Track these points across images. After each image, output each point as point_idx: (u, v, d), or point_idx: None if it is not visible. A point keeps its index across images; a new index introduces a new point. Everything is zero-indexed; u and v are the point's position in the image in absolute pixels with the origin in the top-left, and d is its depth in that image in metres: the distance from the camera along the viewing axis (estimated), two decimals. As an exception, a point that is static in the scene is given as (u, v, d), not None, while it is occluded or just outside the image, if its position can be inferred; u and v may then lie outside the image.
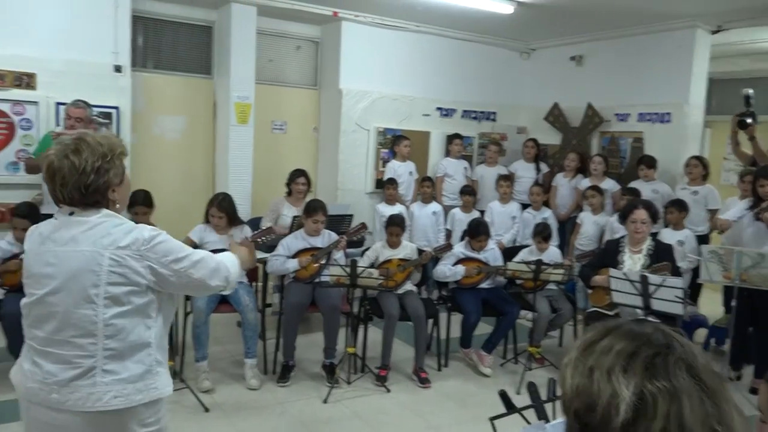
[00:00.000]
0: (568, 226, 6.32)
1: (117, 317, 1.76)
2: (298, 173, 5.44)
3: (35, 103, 5.07)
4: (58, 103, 5.13)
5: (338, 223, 5.11)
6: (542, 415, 1.91)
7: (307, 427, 3.62)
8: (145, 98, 5.91)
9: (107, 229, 1.77)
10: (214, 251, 4.15)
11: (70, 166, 1.74)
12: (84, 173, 1.74)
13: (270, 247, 4.56)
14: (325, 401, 3.95)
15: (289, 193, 5.44)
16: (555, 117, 7.18)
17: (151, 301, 1.82)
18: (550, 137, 7.25)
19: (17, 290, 3.95)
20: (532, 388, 2.00)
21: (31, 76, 5.04)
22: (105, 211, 1.81)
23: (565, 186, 6.49)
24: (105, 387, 1.75)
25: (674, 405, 0.87)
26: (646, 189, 5.72)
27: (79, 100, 4.72)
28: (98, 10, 5.26)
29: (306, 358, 4.58)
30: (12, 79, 4.97)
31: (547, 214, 6.08)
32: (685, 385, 0.89)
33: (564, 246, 6.19)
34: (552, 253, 5.02)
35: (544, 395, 1.98)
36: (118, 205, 1.87)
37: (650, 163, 5.88)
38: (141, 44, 5.92)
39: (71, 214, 1.80)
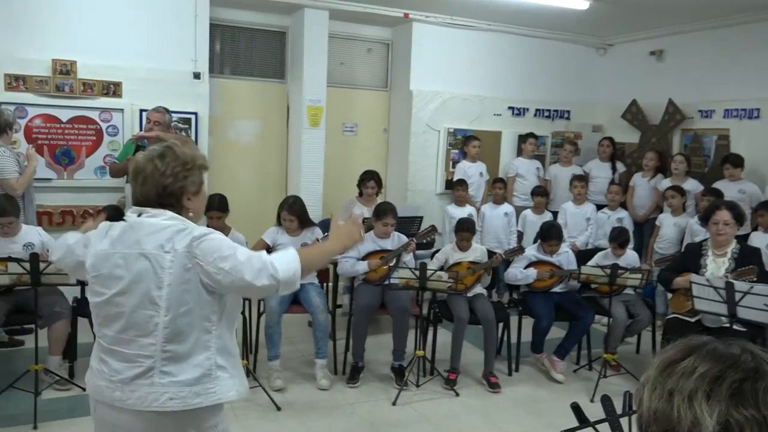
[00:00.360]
0: (646, 229, 6.07)
1: (176, 319, 1.80)
2: (368, 176, 5.49)
3: (121, 110, 5.35)
4: (142, 110, 5.40)
5: (408, 224, 5.12)
6: (617, 430, 1.84)
7: (376, 429, 3.64)
8: (222, 103, 6.11)
9: (172, 233, 1.82)
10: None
11: (153, 168, 1.86)
12: (164, 175, 1.85)
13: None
14: (393, 403, 3.96)
15: (361, 194, 5.51)
16: (633, 114, 6.91)
17: (211, 303, 1.84)
18: (628, 136, 6.99)
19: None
20: (607, 402, 1.93)
21: (117, 85, 5.32)
22: (171, 213, 1.87)
23: (643, 186, 6.23)
24: (162, 388, 1.80)
25: None
26: (731, 189, 5.41)
27: (159, 106, 4.97)
28: (179, 19, 5.49)
29: (375, 359, 4.61)
30: (100, 88, 5.26)
31: (622, 215, 5.85)
32: None
33: (641, 249, 5.95)
34: (629, 257, 4.82)
35: (619, 408, 1.91)
36: (191, 214, 1.93)
37: (736, 161, 5.55)
38: (218, 51, 6.13)
39: (139, 215, 1.88)
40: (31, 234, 4.07)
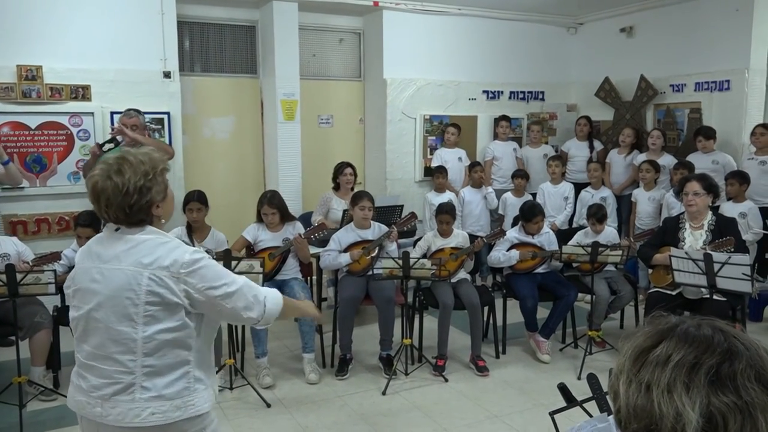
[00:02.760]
0: (623, 205, 6.14)
1: (155, 335, 1.78)
2: (343, 165, 5.47)
3: (91, 114, 5.26)
4: (113, 113, 5.31)
5: (389, 214, 5.12)
6: (604, 407, 1.86)
7: (367, 420, 3.65)
8: (195, 101, 6.04)
9: (150, 248, 1.79)
10: (266, 250, 4.21)
11: (113, 187, 1.76)
12: (127, 194, 1.77)
13: (323, 242, 4.61)
14: (383, 393, 3.97)
15: (337, 187, 5.48)
16: (606, 92, 6.95)
17: (190, 320, 1.83)
18: (602, 113, 7.03)
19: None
20: (593, 380, 1.94)
21: (86, 88, 5.22)
22: (149, 228, 1.84)
23: (619, 163, 6.28)
24: (144, 403, 1.78)
25: (747, 423, 0.77)
26: (705, 161, 5.49)
27: (130, 110, 4.89)
28: (145, 18, 5.40)
29: (363, 350, 4.62)
30: (68, 92, 5.16)
31: (606, 193, 5.91)
32: (758, 398, 0.78)
33: (621, 225, 6.02)
34: (609, 233, 4.88)
35: (605, 385, 1.93)
36: (163, 221, 1.90)
37: (708, 133, 5.62)
38: (188, 49, 6.04)
39: (117, 230, 1.84)
40: (6, 245, 3.99)
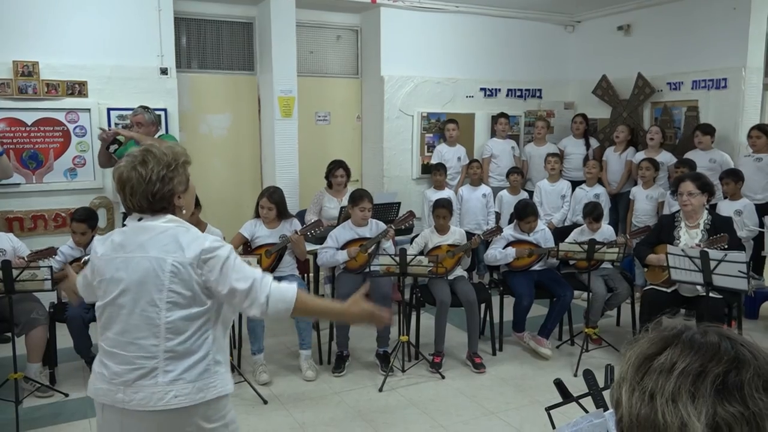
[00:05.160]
0: (621, 202, 6.15)
1: (178, 320, 1.84)
2: (335, 165, 5.45)
3: (87, 110, 5.24)
4: (109, 109, 5.31)
5: (386, 211, 5.12)
6: (600, 403, 1.86)
7: (364, 416, 3.66)
8: (192, 98, 6.03)
9: (172, 236, 1.86)
10: (263, 247, 4.21)
11: (137, 176, 1.85)
12: (150, 182, 1.85)
13: (320, 239, 4.61)
14: (380, 390, 3.98)
15: (330, 185, 5.47)
16: (603, 90, 6.96)
17: (210, 305, 1.89)
18: (600, 111, 7.04)
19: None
20: (589, 376, 1.95)
21: (82, 84, 5.21)
22: (170, 216, 1.91)
23: (615, 160, 6.30)
24: (166, 387, 1.83)
25: None
26: (702, 159, 5.50)
27: (138, 108, 4.90)
28: (142, 14, 5.38)
29: (360, 347, 4.62)
30: (65, 88, 5.15)
31: (599, 190, 5.91)
32: (765, 408, 0.76)
33: (618, 222, 6.03)
34: (605, 231, 4.88)
35: (601, 382, 1.93)
36: (184, 211, 1.96)
37: (706, 129, 5.63)
38: (185, 45, 6.03)
39: (140, 219, 1.90)
40: (1, 240, 3.98)
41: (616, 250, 4.40)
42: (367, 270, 4.40)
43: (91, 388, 1.93)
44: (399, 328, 4.30)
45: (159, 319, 1.83)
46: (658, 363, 0.82)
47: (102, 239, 1.98)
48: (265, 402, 3.79)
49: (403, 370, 4.22)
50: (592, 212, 4.82)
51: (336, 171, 5.40)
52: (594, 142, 6.71)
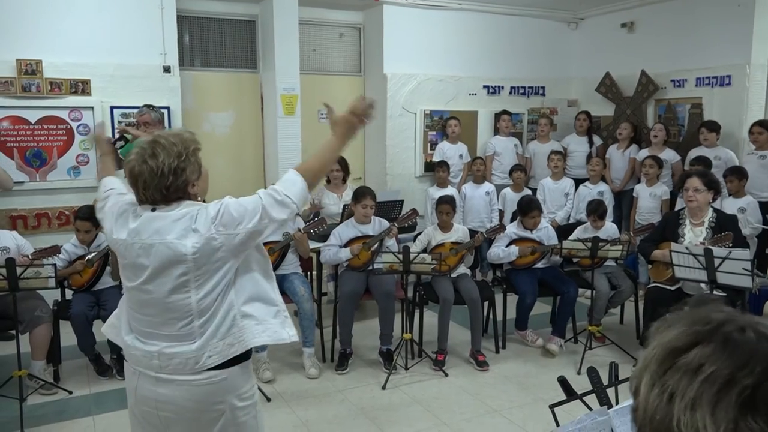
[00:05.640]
0: (624, 200, 6.13)
1: (208, 294, 1.86)
2: None
3: (91, 108, 5.25)
4: (113, 107, 5.31)
5: (389, 209, 5.12)
6: (604, 401, 1.86)
7: (367, 414, 3.66)
8: (194, 96, 6.03)
9: (187, 221, 1.85)
10: (266, 244, 4.23)
11: (149, 170, 1.82)
12: (163, 175, 1.82)
13: (323, 237, 4.61)
14: (383, 387, 3.98)
15: (328, 181, 5.49)
16: (607, 87, 6.94)
17: (230, 266, 1.88)
18: (603, 109, 7.03)
19: (84, 290, 4.13)
20: (593, 373, 1.94)
21: (85, 83, 5.21)
22: (185, 202, 1.90)
23: (618, 158, 6.28)
24: (199, 351, 1.86)
25: None
26: (708, 156, 5.48)
27: (143, 107, 4.90)
28: (144, 13, 5.39)
29: (363, 345, 4.62)
30: (68, 86, 5.15)
31: (603, 188, 5.90)
32: None
33: (622, 220, 6.01)
34: (609, 229, 4.87)
35: (605, 379, 1.93)
36: (199, 198, 1.97)
37: (712, 126, 5.61)
38: (187, 43, 6.03)
39: (153, 210, 1.89)
40: (5, 238, 3.99)
41: (620, 247, 4.39)
42: (371, 268, 4.39)
43: (127, 355, 1.97)
44: (402, 326, 4.30)
45: (190, 298, 1.85)
46: (684, 361, 0.75)
47: (114, 221, 1.95)
48: (269, 399, 3.79)
49: (407, 368, 4.22)
50: (596, 210, 4.80)
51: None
52: (597, 140, 6.70)
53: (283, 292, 4.25)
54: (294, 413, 3.66)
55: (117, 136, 4.91)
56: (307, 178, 1.93)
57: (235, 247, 1.85)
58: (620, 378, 2.00)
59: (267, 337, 1.94)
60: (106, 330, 2.12)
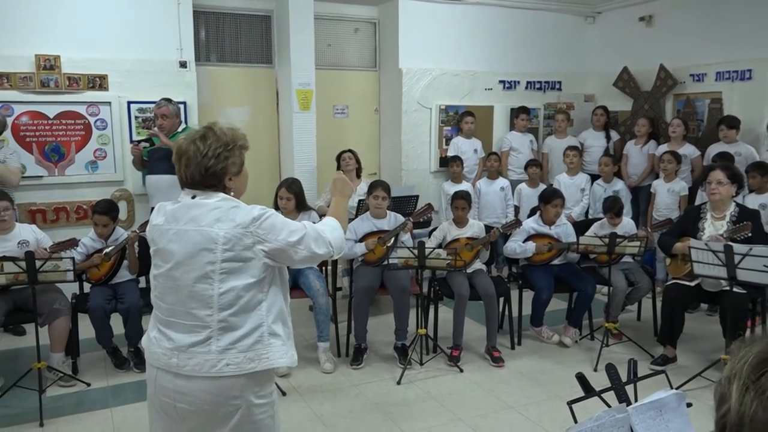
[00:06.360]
0: (642, 196, 6.07)
1: (231, 291, 1.88)
2: (343, 151, 5.61)
3: (108, 103, 5.29)
4: (129, 102, 5.35)
5: (404, 204, 5.11)
6: (623, 398, 1.84)
7: (382, 409, 3.65)
8: (210, 91, 6.05)
9: (224, 211, 1.90)
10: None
11: (195, 150, 1.91)
12: (206, 157, 1.91)
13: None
14: (398, 383, 3.97)
15: None
16: (625, 82, 6.87)
17: (263, 275, 1.92)
18: (620, 104, 6.95)
19: (101, 284, 4.17)
20: (612, 370, 1.92)
21: (103, 78, 5.25)
22: (222, 195, 1.95)
23: (636, 153, 6.21)
24: (218, 355, 1.87)
25: None
26: (729, 151, 5.39)
27: (161, 100, 4.97)
28: (161, 8, 5.41)
29: (378, 340, 4.62)
30: (86, 81, 5.19)
31: (618, 186, 5.84)
32: None
33: (639, 216, 5.95)
34: (626, 225, 4.82)
35: (624, 376, 1.91)
36: (232, 194, 2.00)
37: (732, 123, 5.52)
38: (203, 39, 6.05)
39: (193, 197, 1.95)
40: (25, 231, 4.03)
41: (637, 243, 4.34)
42: (386, 263, 4.39)
43: (148, 353, 1.99)
44: (417, 321, 4.29)
45: (212, 289, 1.87)
46: None
47: (158, 209, 2.03)
48: (284, 393, 3.80)
49: (422, 363, 4.22)
50: (612, 207, 4.75)
51: (343, 155, 5.55)
52: (615, 135, 6.63)
53: (298, 287, 4.30)
54: (309, 407, 3.67)
55: (146, 137, 5.02)
56: (343, 227, 2.08)
57: (264, 254, 1.89)
58: (639, 375, 1.98)
59: (288, 359, 1.98)
60: (143, 342, 2.13)
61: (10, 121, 4.93)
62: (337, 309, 4.66)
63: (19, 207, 4.84)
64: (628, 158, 6.25)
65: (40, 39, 5.03)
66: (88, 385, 3.91)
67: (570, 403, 1.88)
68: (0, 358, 3.95)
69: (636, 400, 1.78)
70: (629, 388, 1.87)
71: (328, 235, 1.99)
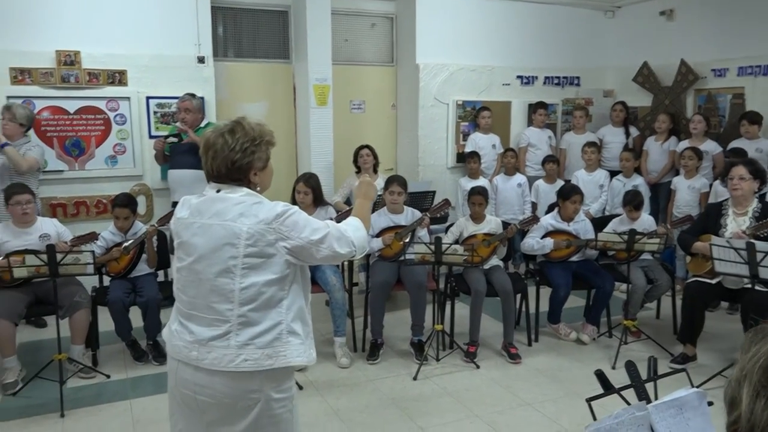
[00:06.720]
0: (661, 192, 6.00)
1: (252, 286, 1.88)
2: (360, 147, 5.59)
3: (127, 98, 5.33)
4: (148, 97, 5.39)
5: (421, 200, 5.09)
6: (643, 396, 1.82)
7: (398, 404, 3.66)
8: (228, 87, 6.07)
9: (248, 206, 1.92)
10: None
11: (223, 143, 1.93)
12: (233, 150, 1.93)
13: (354, 227, 4.60)
14: (414, 378, 3.97)
15: (359, 171, 5.51)
16: (645, 77, 6.78)
17: (285, 273, 1.92)
18: (640, 99, 6.87)
19: (121, 277, 4.22)
20: (631, 367, 1.90)
21: (122, 73, 5.30)
22: (247, 190, 1.97)
23: (656, 150, 6.13)
24: (237, 350, 1.88)
25: None
26: (749, 148, 5.31)
27: (185, 94, 5.02)
28: (180, 4, 5.45)
29: (394, 335, 4.62)
30: (105, 77, 5.24)
31: (638, 181, 5.77)
32: None
33: (658, 213, 5.89)
34: (645, 221, 4.77)
35: (643, 374, 1.89)
36: (258, 189, 2.02)
37: (754, 118, 5.43)
38: (221, 34, 6.07)
39: (218, 191, 1.97)
40: (46, 225, 4.09)
41: (657, 240, 4.29)
42: (402, 258, 4.38)
43: (169, 346, 2.02)
44: (433, 317, 4.29)
45: (234, 284, 1.88)
46: None
47: (183, 202, 2.05)
48: (301, 388, 3.82)
49: (438, 359, 4.21)
50: (632, 200, 4.70)
51: (360, 151, 5.53)
52: (634, 131, 6.55)
53: (315, 282, 4.30)
54: (325, 401, 3.69)
55: (173, 132, 5.07)
56: (366, 228, 2.09)
57: (286, 250, 1.90)
58: (659, 373, 1.96)
59: (305, 358, 1.98)
60: (164, 334, 2.14)
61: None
62: (353, 304, 4.66)
63: (40, 201, 4.90)
64: (648, 154, 6.18)
65: (60, 35, 5.08)
66: (108, 376, 3.96)
67: (589, 400, 1.87)
68: (22, 349, 4.00)
69: (656, 398, 1.76)
70: (649, 386, 1.85)
71: (351, 234, 2.00)
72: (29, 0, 4.97)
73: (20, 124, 4.57)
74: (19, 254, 3.74)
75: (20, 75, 4.98)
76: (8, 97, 4.84)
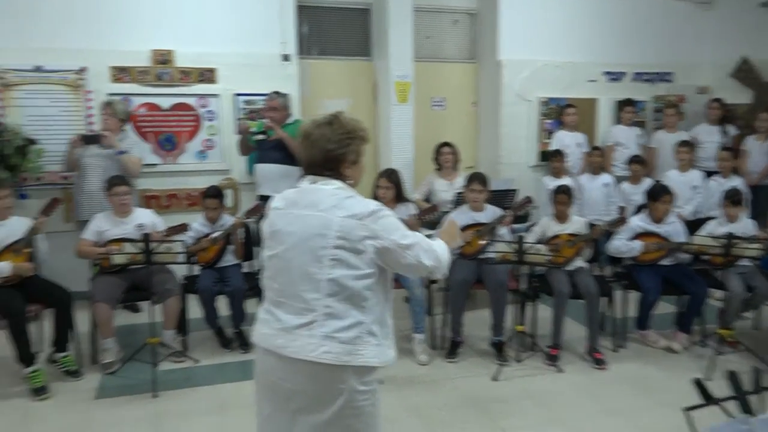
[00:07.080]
0: (762, 195, 5.64)
1: (339, 279, 1.92)
2: (441, 144, 5.55)
3: (216, 95, 5.53)
4: (236, 94, 5.57)
5: (502, 198, 5.01)
6: (746, 408, 1.71)
7: (478, 404, 3.61)
8: (311, 84, 6.19)
9: (341, 198, 1.97)
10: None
11: (320, 133, 2.01)
12: (329, 141, 2.00)
13: (433, 224, 4.59)
14: (494, 379, 3.91)
15: (439, 168, 5.47)
16: (744, 72, 6.40)
17: (371, 271, 1.95)
18: (738, 96, 6.49)
19: (209, 267, 4.38)
20: (734, 378, 1.79)
21: (212, 71, 5.50)
22: (340, 183, 2.02)
23: (757, 150, 5.77)
24: (320, 340, 1.91)
25: None
26: None
27: (272, 93, 5.13)
28: (266, 3, 5.60)
29: (474, 334, 4.57)
30: (196, 75, 5.46)
31: (736, 182, 5.44)
32: None
33: (757, 217, 5.53)
34: (744, 224, 4.49)
35: (747, 385, 1.77)
36: (350, 181, 2.06)
37: None
38: (305, 32, 6.19)
39: (313, 182, 2.03)
40: (143, 215, 4.30)
41: (758, 245, 4.03)
42: (483, 256, 4.32)
43: (256, 334, 2.07)
44: (514, 317, 4.20)
45: (321, 274, 1.91)
46: None
47: (279, 196, 2.11)
48: (381, 382, 3.82)
49: (518, 361, 4.13)
50: (732, 196, 4.43)
51: (442, 149, 5.50)
52: (731, 130, 6.18)
53: (395, 278, 4.31)
54: (405, 398, 3.69)
55: (261, 128, 5.21)
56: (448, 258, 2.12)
57: (374, 249, 1.93)
58: (764, 386, 1.83)
59: (380, 359, 1.99)
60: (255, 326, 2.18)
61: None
62: (432, 302, 4.64)
63: (136, 193, 5.16)
64: (748, 155, 5.82)
65: (154, 35, 5.34)
66: (197, 361, 4.13)
67: (687, 410, 1.78)
68: (119, 332, 4.22)
69: (764, 411, 1.65)
70: (753, 399, 1.74)
71: (437, 249, 2.04)
72: (127, 2, 5.25)
73: (120, 119, 4.87)
74: (118, 242, 3.96)
75: (119, 73, 5.27)
76: (109, 94, 5.13)
